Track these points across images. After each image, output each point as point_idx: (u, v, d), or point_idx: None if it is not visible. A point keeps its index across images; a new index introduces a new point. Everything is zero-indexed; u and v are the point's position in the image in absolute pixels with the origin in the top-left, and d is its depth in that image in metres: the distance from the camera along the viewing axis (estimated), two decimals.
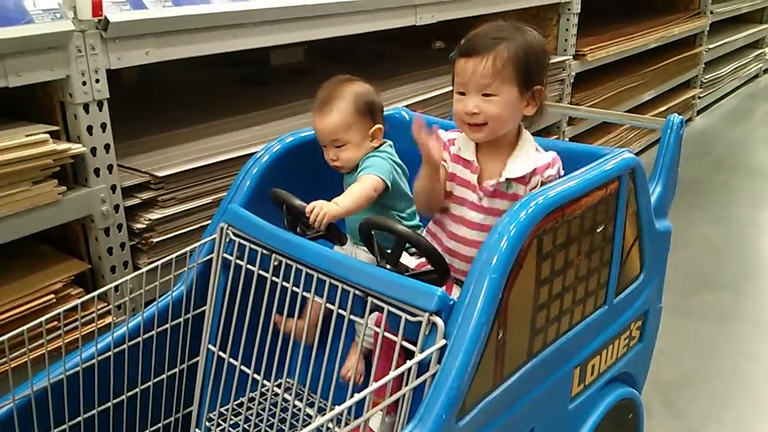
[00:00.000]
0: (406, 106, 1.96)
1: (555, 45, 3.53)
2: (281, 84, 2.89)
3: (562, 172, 1.42)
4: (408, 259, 1.45)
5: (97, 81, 1.68)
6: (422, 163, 1.39)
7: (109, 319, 1.55)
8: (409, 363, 1.13)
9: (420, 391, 1.14)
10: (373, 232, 1.35)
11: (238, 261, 1.46)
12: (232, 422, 1.53)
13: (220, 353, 1.48)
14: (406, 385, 1.13)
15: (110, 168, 1.75)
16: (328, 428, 1.37)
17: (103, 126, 1.72)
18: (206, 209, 1.95)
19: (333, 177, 1.62)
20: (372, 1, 2.34)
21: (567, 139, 3.60)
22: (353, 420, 1.11)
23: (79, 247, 1.81)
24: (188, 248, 1.54)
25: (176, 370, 1.56)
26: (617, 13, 4.53)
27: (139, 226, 1.84)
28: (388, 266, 1.31)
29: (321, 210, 1.39)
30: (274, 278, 1.38)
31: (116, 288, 1.47)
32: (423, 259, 1.43)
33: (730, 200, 3.86)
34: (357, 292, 1.25)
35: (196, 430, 1.58)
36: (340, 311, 1.27)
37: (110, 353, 1.45)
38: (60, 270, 1.75)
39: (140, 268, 1.57)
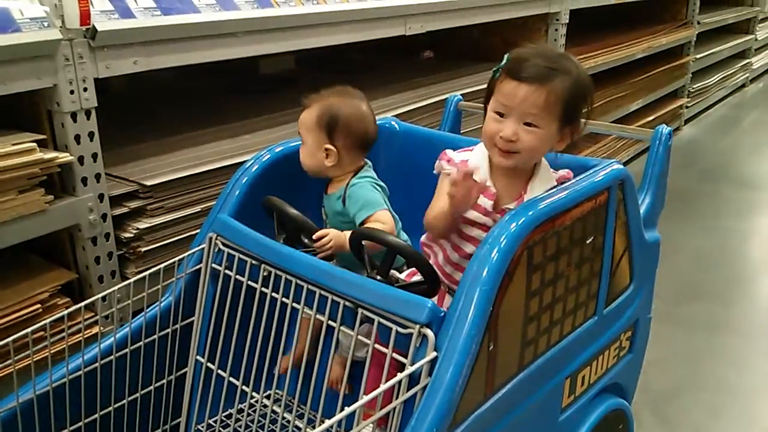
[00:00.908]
0: (396, 116, 1.96)
1: None
2: (271, 93, 2.88)
3: None
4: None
5: (85, 90, 1.67)
6: (450, 206, 1.33)
7: (96, 330, 1.53)
8: (399, 375, 1.12)
9: (411, 404, 1.13)
10: (363, 243, 1.34)
11: (227, 271, 1.45)
12: None
13: (209, 364, 1.47)
14: (397, 397, 1.13)
15: (98, 177, 1.74)
16: None
17: (91, 135, 1.71)
18: (195, 218, 1.93)
19: (322, 188, 1.62)
20: (362, 11, 2.34)
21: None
22: None
23: (67, 256, 1.80)
24: (177, 258, 1.53)
25: (164, 381, 1.54)
26: (605, 24, 4.55)
27: (127, 235, 1.82)
28: (378, 277, 1.31)
29: (330, 242, 1.41)
30: (263, 289, 1.37)
31: (104, 298, 1.46)
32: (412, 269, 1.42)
33: (717, 209, 3.87)
34: (347, 303, 1.24)
35: None
36: (330, 323, 1.26)
37: (97, 364, 1.43)
38: (47, 279, 1.73)
39: (128, 278, 1.56)
